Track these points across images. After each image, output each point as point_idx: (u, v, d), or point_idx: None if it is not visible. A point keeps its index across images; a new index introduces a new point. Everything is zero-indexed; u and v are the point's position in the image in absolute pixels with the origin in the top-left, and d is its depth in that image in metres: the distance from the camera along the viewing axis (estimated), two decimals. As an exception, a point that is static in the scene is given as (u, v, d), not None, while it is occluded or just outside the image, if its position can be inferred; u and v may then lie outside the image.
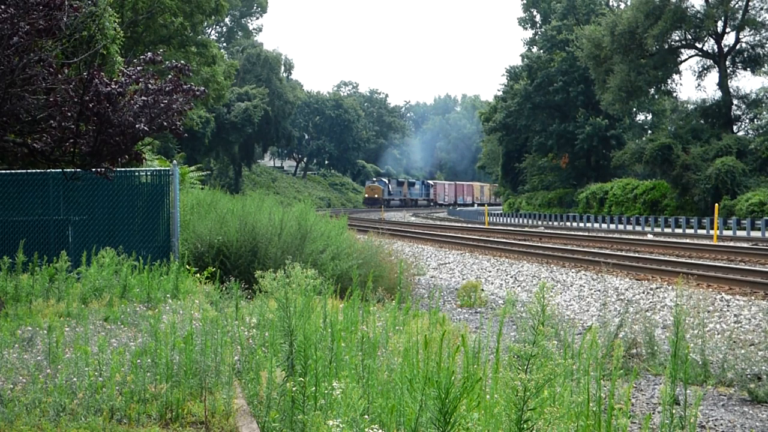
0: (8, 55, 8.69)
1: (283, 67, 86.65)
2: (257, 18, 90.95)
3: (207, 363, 6.08)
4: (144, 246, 13.37)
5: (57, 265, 10.65)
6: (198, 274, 9.64)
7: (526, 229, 41.41)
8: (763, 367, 8.28)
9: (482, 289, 15.67)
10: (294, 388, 4.93)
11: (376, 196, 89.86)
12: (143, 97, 10.15)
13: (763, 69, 47.19)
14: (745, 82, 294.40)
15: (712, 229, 32.92)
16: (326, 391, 4.78)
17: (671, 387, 4.40)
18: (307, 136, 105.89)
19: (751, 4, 45.98)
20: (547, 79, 60.67)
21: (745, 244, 25.41)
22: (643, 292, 14.90)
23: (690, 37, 47.20)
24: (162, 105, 10.27)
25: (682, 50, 48.08)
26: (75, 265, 11.79)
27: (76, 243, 13.40)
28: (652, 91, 49.67)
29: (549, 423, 3.69)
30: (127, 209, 13.80)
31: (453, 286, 17.85)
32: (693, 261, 19.79)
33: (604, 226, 43.45)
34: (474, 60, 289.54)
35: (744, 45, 47.25)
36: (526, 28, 68.19)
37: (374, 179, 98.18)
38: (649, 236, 31.56)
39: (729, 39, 47.35)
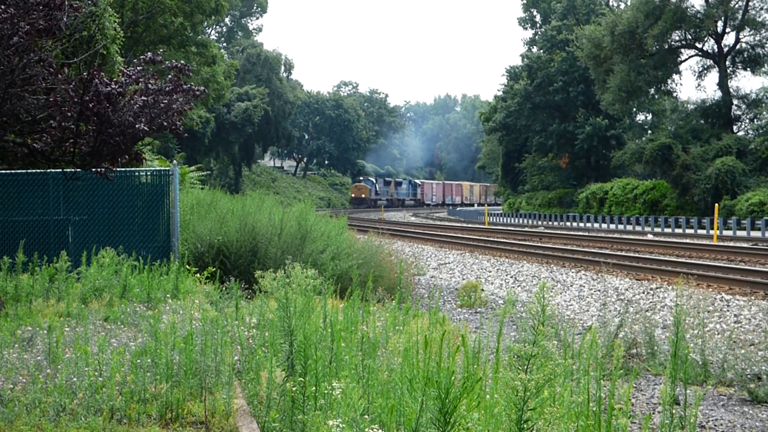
0: (8, 55, 8.69)
1: (283, 67, 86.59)
2: (257, 18, 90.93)
3: (207, 363, 6.08)
4: (144, 246, 13.37)
5: (57, 265, 10.65)
6: (198, 274, 9.63)
7: (526, 229, 41.41)
8: (763, 367, 8.28)
9: (482, 289, 15.67)
10: (294, 388, 4.93)
11: (363, 195, 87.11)
12: (143, 97, 10.15)
13: (763, 69, 47.20)
14: (745, 82, 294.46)
15: (712, 229, 32.92)
16: (326, 391, 4.78)
17: (671, 387, 4.40)
18: (307, 136, 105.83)
19: (751, 4, 45.99)
20: (547, 79, 60.67)
21: (745, 244, 25.42)
22: (643, 292, 14.90)
23: (690, 37, 47.20)
24: (162, 105, 10.26)
25: (682, 50, 48.11)
26: (75, 265, 11.79)
27: (76, 243, 13.40)
28: (652, 91, 49.68)
29: (549, 423, 3.69)
30: (127, 209, 13.80)
31: (453, 286, 17.84)
32: (693, 261, 19.78)
33: (604, 226, 43.45)
34: (474, 60, 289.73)
35: (744, 45, 47.26)
36: (526, 28, 68.20)
37: (361, 178, 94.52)
38: (649, 236, 31.55)
39: (729, 39, 47.44)
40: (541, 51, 63.34)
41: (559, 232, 36.83)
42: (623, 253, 22.27)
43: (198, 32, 41.10)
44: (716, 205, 35.25)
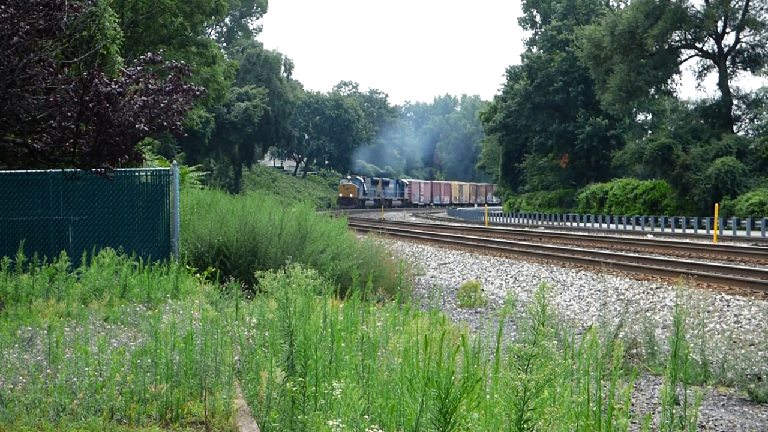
0: (8, 55, 8.69)
1: (283, 67, 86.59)
2: (257, 18, 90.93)
3: (207, 363, 6.08)
4: (144, 246, 13.37)
5: (57, 265, 10.65)
6: (198, 274, 9.64)
7: (526, 229, 41.40)
8: (763, 367, 8.28)
9: (482, 289, 15.67)
10: (294, 388, 4.93)
11: (351, 195, 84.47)
12: (143, 97, 10.15)
13: (763, 69, 47.19)
14: (745, 82, 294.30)
15: (712, 229, 32.92)
16: (326, 391, 4.78)
17: (671, 387, 4.40)
18: (307, 136, 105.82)
19: (751, 4, 45.99)
20: (547, 79, 60.67)
21: (745, 244, 25.41)
22: (643, 292, 14.90)
23: (690, 37, 47.19)
24: (162, 105, 10.26)
25: (682, 50, 48.09)
26: (75, 265, 11.79)
27: (76, 243, 13.40)
28: (652, 91, 49.66)
29: (549, 423, 3.69)
30: (127, 209, 13.80)
31: (453, 286, 17.84)
32: (693, 261, 19.78)
33: (604, 226, 43.45)
34: (474, 60, 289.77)
35: (744, 45, 47.25)
36: (526, 28, 68.19)
37: (349, 177, 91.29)
38: (649, 236, 31.55)
39: (729, 39, 47.42)
40: (541, 51, 63.33)
41: (559, 232, 36.83)
42: (623, 253, 22.27)
43: (198, 32, 41.11)
44: (716, 205, 35.25)
